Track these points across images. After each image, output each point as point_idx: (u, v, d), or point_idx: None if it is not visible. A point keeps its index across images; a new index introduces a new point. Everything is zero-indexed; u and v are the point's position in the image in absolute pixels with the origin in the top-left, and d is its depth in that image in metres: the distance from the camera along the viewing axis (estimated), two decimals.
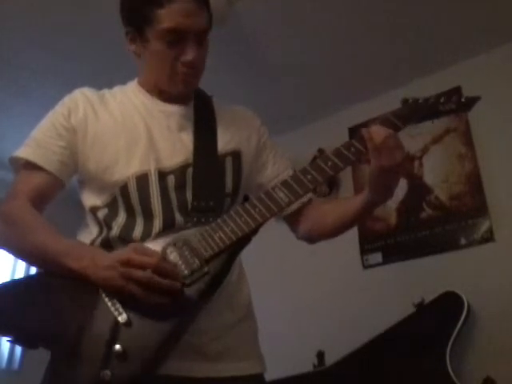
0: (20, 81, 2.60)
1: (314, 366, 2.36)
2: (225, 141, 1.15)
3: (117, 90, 1.19)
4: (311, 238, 1.24)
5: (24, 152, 1.07)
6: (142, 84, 1.18)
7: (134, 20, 1.09)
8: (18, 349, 3.13)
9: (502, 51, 2.48)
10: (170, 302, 0.87)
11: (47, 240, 0.95)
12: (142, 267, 0.86)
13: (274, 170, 1.22)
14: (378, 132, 0.97)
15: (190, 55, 1.06)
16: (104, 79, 2.76)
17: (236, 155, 1.15)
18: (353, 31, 2.38)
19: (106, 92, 1.17)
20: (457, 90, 2.52)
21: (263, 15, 2.26)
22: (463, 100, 1.07)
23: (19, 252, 1.00)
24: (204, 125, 1.15)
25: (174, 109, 1.14)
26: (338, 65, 2.61)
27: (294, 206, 1.18)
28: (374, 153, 0.97)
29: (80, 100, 1.12)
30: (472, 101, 1.08)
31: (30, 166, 1.05)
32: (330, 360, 2.30)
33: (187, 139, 1.12)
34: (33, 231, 0.97)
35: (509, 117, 2.37)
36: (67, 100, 1.13)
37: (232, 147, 1.15)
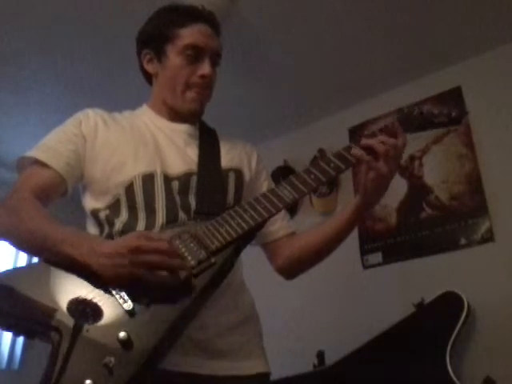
0: (20, 81, 2.60)
1: (314, 365, 2.36)
2: (228, 158, 1.20)
3: (126, 112, 1.26)
4: (292, 266, 1.24)
5: (31, 153, 1.10)
6: (151, 107, 1.25)
7: (154, 40, 1.19)
8: (18, 349, 3.13)
9: (502, 51, 2.47)
10: (181, 281, 0.88)
11: (45, 227, 0.95)
12: (154, 252, 0.87)
13: None
14: (382, 142, 1.03)
15: (206, 68, 1.16)
16: (104, 79, 2.76)
17: (238, 172, 1.20)
18: (353, 31, 2.38)
19: (115, 113, 1.24)
20: (457, 90, 2.53)
21: (264, 15, 2.26)
22: (453, 114, 1.14)
23: (17, 240, 1.00)
24: (208, 143, 1.22)
25: (181, 127, 1.21)
26: (338, 65, 2.61)
27: (280, 233, 1.23)
28: (385, 157, 1.03)
29: (91, 113, 1.17)
30: (461, 115, 1.15)
31: (37, 164, 1.08)
32: (330, 360, 2.30)
33: (192, 153, 1.17)
34: (31, 218, 0.98)
35: (509, 117, 2.37)
36: (79, 113, 1.18)
37: (235, 165, 1.21)
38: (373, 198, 1.10)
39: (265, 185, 1.28)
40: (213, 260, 0.92)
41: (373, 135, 1.06)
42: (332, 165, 1.03)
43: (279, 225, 1.23)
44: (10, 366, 3.08)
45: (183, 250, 0.93)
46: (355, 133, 2.85)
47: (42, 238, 0.94)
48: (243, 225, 0.96)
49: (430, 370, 1.98)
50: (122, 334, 0.83)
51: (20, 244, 1.00)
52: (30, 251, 1.05)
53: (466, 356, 2.10)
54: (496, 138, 2.38)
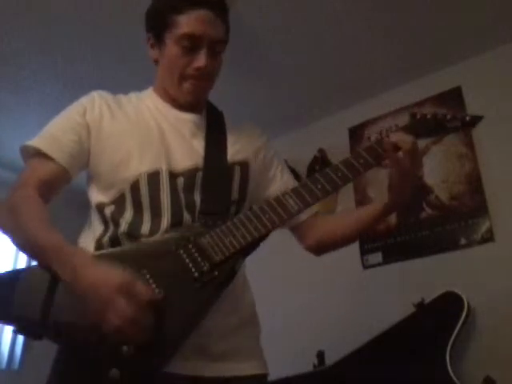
0: (20, 81, 2.60)
1: (314, 365, 2.36)
2: (234, 151, 1.18)
3: (132, 94, 1.23)
4: (320, 247, 1.26)
5: (35, 142, 1.08)
6: (157, 91, 1.22)
7: (154, 25, 1.15)
8: (18, 349, 3.13)
9: (502, 51, 2.47)
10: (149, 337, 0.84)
11: (38, 235, 0.94)
12: (121, 311, 0.82)
13: (282, 184, 1.24)
14: (405, 139, 1.03)
15: (201, 61, 1.10)
16: (104, 79, 2.76)
17: (244, 165, 1.18)
18: (353, 31, 2.38)
19: (121, 95, 1.21)
20: (457, 90, 2.53)
21: (264, 15, 2.26)
22: (468, 119, 1.12)
23: (15, 241, 0.99)
24: (215, 134, 1.19)
25: (187, 116, 1.18)
26: (338, 65, 2.61)
27: (304, 217, 1.22)
28: (407, 158, 1.02)
29: (96, 100, 1.15)
30: (476, 119, 1.14)
31: (39, 155, 1.07)
32: (330, 360, 2.30)
33: (198, 146, 1.15)
34: (26, 223, 0.97)
35: (509, 117, 2.37)
36: (84, 99, 1.16)
37: (241, 158, 1.18)
38: (399, 197, 1.10)
39: (278, 172, 1.26)
40: (216, 273, 0.93)
41: (379, 142, 1.06)
42: (339, 174, 1.02)
43: None
44: (10, 366, 3.08)
45: (187, 260, 0.94)
46: (355, 133, 2.85)
47: (34, 245, 0.94)
48: (247, 236, 0.96)
49: (430, 370, 1.98)
50: (125, 347, 0.83)
51: (17, 245, 1.00)
52: (27, 254, 1.05)
53: (465, 356, 2.10)
54: (496, 138, 2.38)
